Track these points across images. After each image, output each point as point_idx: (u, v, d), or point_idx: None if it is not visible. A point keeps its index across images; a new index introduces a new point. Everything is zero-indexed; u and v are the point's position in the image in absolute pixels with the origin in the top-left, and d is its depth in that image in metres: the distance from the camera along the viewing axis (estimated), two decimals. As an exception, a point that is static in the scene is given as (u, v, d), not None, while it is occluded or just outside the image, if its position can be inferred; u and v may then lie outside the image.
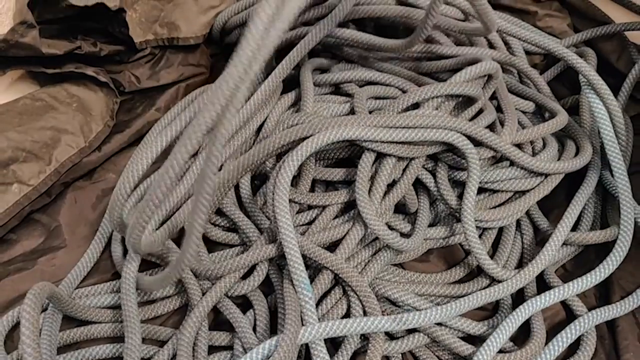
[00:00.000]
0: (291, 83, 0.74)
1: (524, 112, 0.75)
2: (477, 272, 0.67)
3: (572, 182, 0.72)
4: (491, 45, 0.79)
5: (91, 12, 0.67)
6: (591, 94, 0.68)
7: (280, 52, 0.72)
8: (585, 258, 0.70)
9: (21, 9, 0.61)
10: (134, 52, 0.75)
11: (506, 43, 0.80)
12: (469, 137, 0.62)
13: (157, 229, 0.60)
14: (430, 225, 0.68)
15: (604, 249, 0.66)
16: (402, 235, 0.65)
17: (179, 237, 0.60)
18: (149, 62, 0.76)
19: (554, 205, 0.73)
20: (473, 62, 0.68)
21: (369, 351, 0.55)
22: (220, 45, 0.83)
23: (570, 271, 0.69)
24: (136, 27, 0.73)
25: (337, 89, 0.74)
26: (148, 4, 0.75)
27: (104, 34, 0.73)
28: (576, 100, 0.80)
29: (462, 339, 0.60)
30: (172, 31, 0.76)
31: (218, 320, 0.62)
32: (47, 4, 0.63)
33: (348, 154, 0.67)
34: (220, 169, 0.64)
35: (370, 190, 0.62)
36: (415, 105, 0.66)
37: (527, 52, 0.83)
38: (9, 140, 0.62)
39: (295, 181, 0.66)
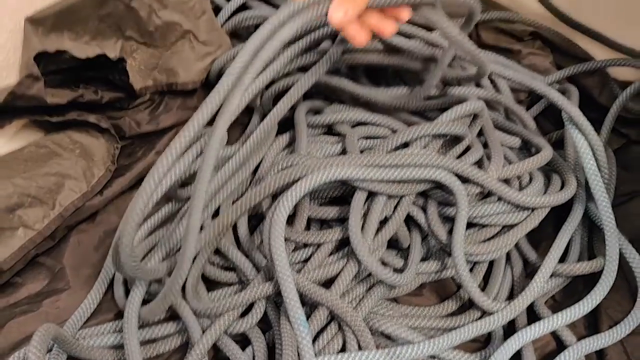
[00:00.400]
0: (285, 124, 0.77)
1: (510, 148, 0.78)
2: (469, 304, 0.69)
3: (559, 214, 0.74)
4: (477, 84, 0.82)
5: (92, 62, 0.71)
6: (573, 129, 0.70)
7: (277, 97, 0.75)
8: (574, 289, 0.72)
9: (27, 62, 0.64)
10: (134, 98, 0.78)
11: (492, 81, 0.84)
12: (456, 175, 0.65)
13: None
14: (423, 259, 0.70)
15: (592, 280, 0.68)
16: (396, 270, 0.67)
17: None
18: (148, 107, 0.79)
19: (542, 237, 0.75)
20: (459, 101, 0.72)
21: (364, 385, 0.57)
22: (217, 89, 0.86)
23: (559, 302, 0.71)
24: (136, 74, 0.76)
25: (329, 130, 0.77)
26: (147, 52, 0.78)
27: (105, 81, 0.76)
28: (561, 134, 0.83)
29: (456, 370, 0.62)
30: (170, 77, 0.79)
31: (218, 358, 0.63)
32: (52, 57, 0.66)
33: (341, 193, 0.70)
34: (217, 212, 0.66)
35: (363, 228, 0.64)
36: (405, 144, 0.69)
37: (513, 89, 0.86)
38: (15, 187, 0.64)
39: (291, 220, 0.68)
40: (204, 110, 0.49)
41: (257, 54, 0.51)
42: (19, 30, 0.68)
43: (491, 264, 0.72)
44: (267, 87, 0.77)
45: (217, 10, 0.90)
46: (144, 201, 0.49)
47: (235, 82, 0.50)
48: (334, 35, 0.73)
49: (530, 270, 0.72)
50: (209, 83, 0.84)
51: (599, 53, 0.89)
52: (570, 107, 0.71)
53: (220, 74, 0.82)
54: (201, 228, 0.67)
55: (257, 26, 0.86)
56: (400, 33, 0.73)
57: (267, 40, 0.51)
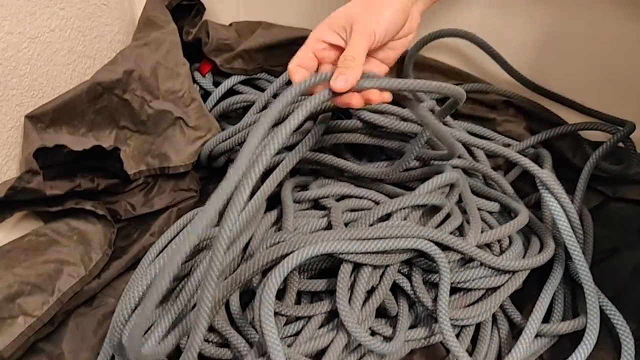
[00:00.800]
0: (273, 200, 0.81)
1: (490, 212, 0.82)
2: (459, 369, 0.71)
3: (542, 273, 0.76)
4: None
5: (88, 152, 0.75)
6: (546, 193, 0.74)
7: (265, 175, 0.79)
8: (561, 347, 0.73)
9: (27, 157, 0.68)
10: (128, 182, 0.82)
11: (469, 150, 0.88)
12: (436, 243, 0.68)
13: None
14: (412, 326, 0.72)
15: (579, 337, 0.70)
16: (385, 338, 0.70)
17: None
18: (142, 190, 0.83)
19: (527, 297, 0.76)
20: (437, 171, 0.76)
21: None
22: (207, 170, 0.91)
23: (548, 361, 0.73)
24: (130, 160, 0.81)
25: (316, 203, 0.80)
26: (140, 139, 0.83)
27: (100, 168, 0.80)
28: (539, 197, 0.86)
29: None
30: (162, 161, 0.83)
31: None
32: (51, 150, 0.70)
33: (329, 265, 0.72)
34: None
35: (350, 299, 0.67)
36: (388, 215, 0.72)
37: (491, 154, 0.90)
38: (15, 276, 0.67)
39: (282, 294, 0.71)
40: (217, 196, 0.51)
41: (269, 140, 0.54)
42: (19, 127, 0.73)
43: (478, 326, 0.74)
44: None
45: (207, 94, 0.96)
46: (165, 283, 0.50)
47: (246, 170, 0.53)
48: (314, 116, 0.78)
49: (516, 332, 0.74)
50: (199, 164, 0.88)
51: (570, 117, 0.94)
52: (540, 172, 0.74)
53: (210, 156, 0.87)
54: (194, 305, 0.70)
55: (245, 109, 0.93)
56: (376, 111, 0.78)
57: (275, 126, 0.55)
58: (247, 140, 0.53)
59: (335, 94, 0.59)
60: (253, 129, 0.54)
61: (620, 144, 0.86)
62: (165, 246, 0.75)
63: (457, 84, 0.95)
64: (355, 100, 0.61)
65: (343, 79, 0.57)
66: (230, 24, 1.01)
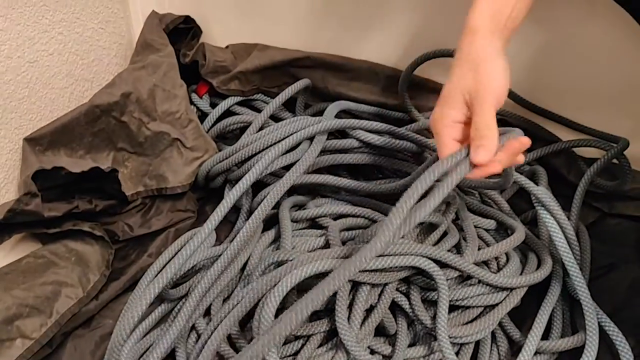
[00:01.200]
0: (270, 221, 0.81)
1: (487, 230, 0.82)
2: (459, 387, 0.70)
3: (541, 289, 0.77)
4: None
5: (86, 174, 0.75)
6: (542, 210, 0.74)
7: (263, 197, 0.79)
8: (562, 364, 0.73)
9: (26, 180, 0.68)
10: (126, 203, 0.82)
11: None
12: (434, 261, 0.68)
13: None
14: (411, 345, 0.72)
15: (578, 354, 0.70)
16: (384, 357, 0.69)
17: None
18: (140, 211, 0.84)
19: (525, 315, 0.77)
20: (433, 189, 0.76)
21: None
22: (205, 190, 0.91)
23: (547, 379, 0.73)
24: (127, 181, 0.81)
25: (313, 222, 0.81)
26: (138, 160, 0.83)
27: (98, 190, 0.81)
28: (535, 213, 0.87)
29: None
30: (160, 182, 0.83)
31: None
32: (49, 172, 0.71)
33: (328, 284, 0.73)
34: (209, 310, 0.69)
35: (349, 318, 0.67)
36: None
37: (487, 173, 0.91)
38: (14, 298, 0.67)
39: (280, 314, 0.70)
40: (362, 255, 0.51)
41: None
42: (18, 149, 0.74)
43: (477, 344, 0.74)
44: (257, 188, 0.81)
45: (204, 115, 0.96)
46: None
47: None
48: (311, 137, 0.78)
49: (515, 349, 0.74)
50: (197, 185, 0.88)
51: (564, 134, 0.95)
52: (536, 189, 0.75)
53: (207, 177, 0.87)
54: (193, 327, 0.70)
55: (242, 129, 0.94)
56: (371, 130, 0.79)
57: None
58: (390, 216, 0.51)
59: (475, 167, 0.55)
60: (397, 206, 0.52)
61: (615, 160, 0.87)
62: (163, 267, 0.75)
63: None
64: (496, 168, 0.57)
65: (483, 150, 0.54)
66: (227, 46, 1.02)
